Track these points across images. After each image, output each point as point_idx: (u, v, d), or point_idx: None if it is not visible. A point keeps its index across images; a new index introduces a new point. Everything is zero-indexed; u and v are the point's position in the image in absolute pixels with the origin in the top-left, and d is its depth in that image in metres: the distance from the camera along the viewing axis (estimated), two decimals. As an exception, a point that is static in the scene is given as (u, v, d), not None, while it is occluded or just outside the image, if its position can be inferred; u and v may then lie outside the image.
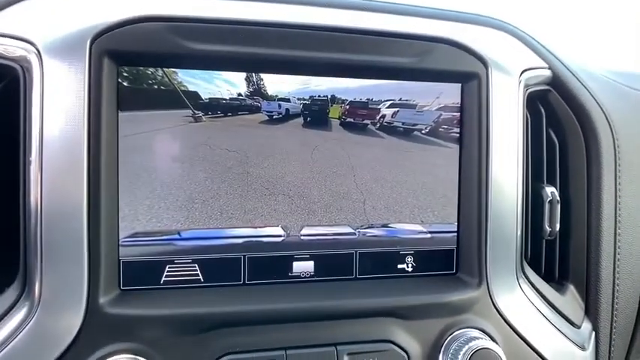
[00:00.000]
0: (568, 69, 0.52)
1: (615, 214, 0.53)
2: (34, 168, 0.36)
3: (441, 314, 0.42)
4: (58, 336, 0.36)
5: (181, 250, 0.40)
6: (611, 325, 0.54)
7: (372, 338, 0.40)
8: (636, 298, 0.57)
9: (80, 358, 0.36)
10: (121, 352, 0.36)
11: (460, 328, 0.42)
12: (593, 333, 0.52)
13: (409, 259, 0.45)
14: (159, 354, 0.37)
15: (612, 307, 0.54)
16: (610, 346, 0.54)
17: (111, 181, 0.38)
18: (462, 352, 0.40)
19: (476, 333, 0.41)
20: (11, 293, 0.37)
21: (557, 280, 0.52)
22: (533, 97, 0.50)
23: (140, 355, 0.36)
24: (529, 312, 0.46)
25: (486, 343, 0.40)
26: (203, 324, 0.38)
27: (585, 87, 0.53)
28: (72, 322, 0.36)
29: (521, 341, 0.44)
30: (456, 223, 0.46)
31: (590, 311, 0.52)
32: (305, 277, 0.42)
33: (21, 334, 0.36)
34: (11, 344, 0.36)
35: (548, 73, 0.50)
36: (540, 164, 0.50)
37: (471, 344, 0.40)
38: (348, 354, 0.39)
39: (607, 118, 0.53)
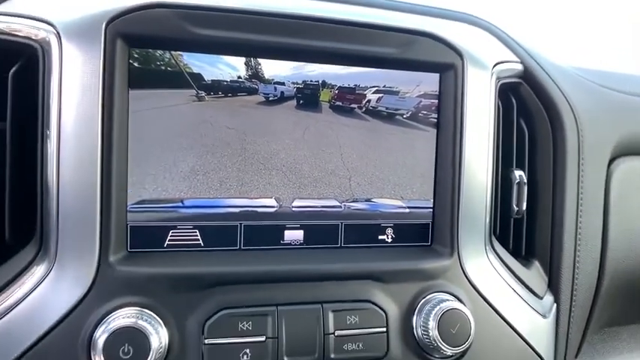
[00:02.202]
0: (539, 64, 0.57)
1: (578, 197, 0.59)
2: (52, 139, 0.40)
3: (416, 279, 0.46)
4: (73, 289, 0.40)
5: (184, 217, 0.44)
6: (571, 298, 0.59)
7: (354, 298, 0.44)
8: (595, 275, 0.63)
9: (92, 309, 0.40)
10: (129, 305, 0.40)
11: (433, 292, 0.46)
12: (555, 304, 0.57)
13: (389, 230, 0.49)
14: (162, 307, 0.41)
15: (572, 282, 0.59)
16: (569, 317, 0.60)
17: (121, 152, 0.42)
18: (433, 312, 0.44)
19: (447, 296, 0.46)
20: (29, 252, 0.41)
21: (524, 256, 0.57)
22: (505, 89, 0.55)
23: (145, 308, 0.40)
24: (496, 281, 0.51)
25: (456, 304, 0.45)
26: (202, 282, 0.42)
27: (554, 81, 0.58)
28: (85, 277, 0.40)
29: (488, 306, 0.49)
30: (432, 200, 0.50)
31: (553, 285, 0.58)
32: (295, 245, 0.47)
33: (40, 286, 0.40)
34: (32, 295, 0.39)
35: (519, 67, 0.54)
36: (510, 150, 0.55)
37: (441, 305, 0.45)
38: (333, 311, 0.43)
39: (573, 111, 0.58)
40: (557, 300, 0.57)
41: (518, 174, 0.54)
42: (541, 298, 0.55)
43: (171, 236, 0.44)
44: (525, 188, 0.54)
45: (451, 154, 0.49)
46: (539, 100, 0.57)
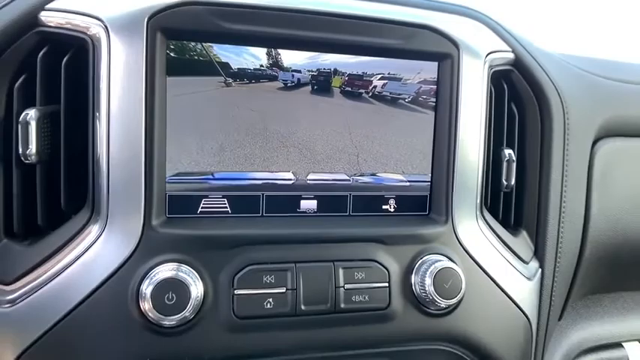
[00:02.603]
0: (529, 52, 0.62)
1: (563, 174, 0.65)
2: (102, 120, 0.46)
3: (414, 242, 0.52)
4: (121, 248, 0.46)
5: (214, 188, 0.51)
6: (555, 265, 0.66)
7: (361, 258, 0.51)
8: (577, 246, 0.69)
9: (138, 264, 0.46)
10: (169, 262, 0.46)
11: (429, 254, 0.53)
12: (540, 270, 0.63)
13: (391, 201, 0.56)
14: (197, 263, 0.47)
15: (556, 251, 0.65)
16: (553, 282, 0.66)
17: (161, 131, 0.47)
18: (429, 271, 0.51)
19: (441, 257, 0.52)
20: (82, 216, 0.47)
21: (512, 227, 0.64)
22: (497, 75, 0.60)
23: (183, 264, 0.46)
24: (485, 245, 0.57)
25: (449, 263, 0.51)
26: (231, 242, 0.48)
27: (543, 68, 0.64)
28: (132, 238, 0.46)
29: (477, 267, 0.55)
30: (430, 175, 0.56)
31: (538, 253, 0.64)
32: (310, 214, 0.53)
33: (94, 246, 0.46)
34: (87, 254, 0.45)
35: (511, 55, 0.60)
36: (501, 130, 0.61)
37: (436, 264, 0.51)
38: (343, 268, 0.50)
39: (560, 96, 0.64)
40: (542, 266, 0.63)
41: (508, 152, 0.60)
42: (527, 263, 0.61)
43: (203, 204, 0.50)
44: (514, 165, 0.60)
45: (447, 133, 0.55)
46: (529, 85, 0.62)
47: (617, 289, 0.82)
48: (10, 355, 0.45)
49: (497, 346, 0.56)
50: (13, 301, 0.46)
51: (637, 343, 0.79)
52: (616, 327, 0.80)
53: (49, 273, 0.46)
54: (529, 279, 0.61)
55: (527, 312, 0.60)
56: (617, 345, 0.78)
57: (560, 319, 0.74)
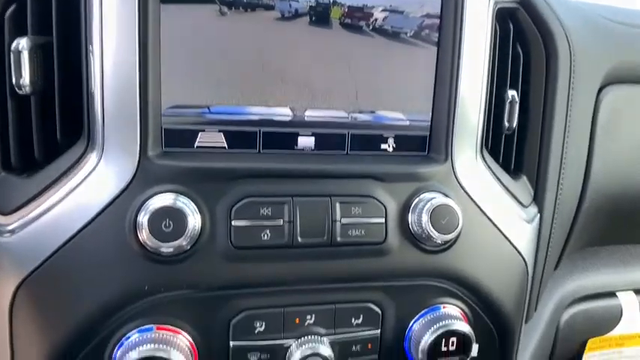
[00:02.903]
0: None
1: (566, 119, 0.64)
2: (95, 51, 0.45)
3: (412, 180, 0.52)
4: (118, 179, 0.46)
5: (210, 122, 0.50)
6: (554, 211, 0.66)
7: (358, 193, 0.51)
8: (577, 194, 0.69)
9: (135, 194, 0.46)
10: (166, 192, 0.46)
11: (426, 192, 0.52)
12: (538, 215, 0.63)
13: (390, 141, 0.55)
14: (195, 194, 0.47)
15: (556, 197, 0.65)
16: (551, 229, 0.66)
17: (155, 61, 0.46)
18: (426, 207, 0.51)
19: (439, 195, 0.52)
20: (79, 147, 0.47)
21: (512, 171, 0.63)
22: (503, 13, 0.58)
23: (181, 194, 0.46)
24: (484, 186, 0.56)
25: (446, 200, 0.51)
26: (228, 174, 0.48)
27: (551, 8, 0.62)
28: (128, 169, 0.46)
29: (475, 206, 0.55)
30: (430, 114, 0.56)
31: (538, 198, 0.64)
32: (307, 151, 0.53)
33: (90, 176, 0.46)
34: (84, 183, 0.46)
35: None
36: (505, 71, 0.60)
37: (433, 201, 0.51)
38: (340, 202, 0.50)
39: (567, 37, 0.62)
40: (540, 211, 0.63)
41: (511, 93, 0.59)
42: (526, 207, 0.62)
43: (200, 139, 0.50)
44: (517, 107, 0.59)
45: (449, 71, 0.53)
46: (535, 25, 0.60)
47: (615, 242, 0.83)
48: (11, 283, 0.46)
49: (493, 287, 0.57)
50: (12, 231, 0.46)
51: (631, 292, 0.80)
52: (612, 278, 0.80)
53: (47, 203, 0.46)
54: (528, 222, 0.61)
55: (524, 255, 0.60)
56: (611, 294, 0.79)
57: (556, 268, 0.74)
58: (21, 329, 0.47)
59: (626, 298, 0.79)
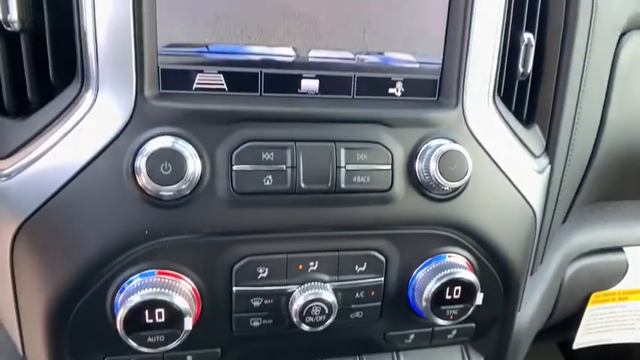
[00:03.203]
0: None
1: (584, 65, 0.60)
2: None
3: (420, 125, 0.50)
4: (115, 120, 0.44)
5: (209, 62, 0.47)
6: (565, 163, 0.64)
7: (363, 139, 0.49)
8: (590, 146, 0.66)
9: (133, 136, 0.44)
10: (164, 135, 0.44)
11: (435, 138, 0.50)
12: (549, 166, 0.61)
13: (399, 85, 0.52)
14: (194, 138, 0.45)
15: (568, 149, 0.63)
16: (561, 181, 0.64)
17: None
18: (434, 154, 0.49)
19: (447, 141, 0.50)
20: (73, 88, 0.46)
21: (525, 120, 0.61)
22: None
23: (180, 137, 0.45)
24: (494, 133, 0.54)
25: (455, 146, 0.49)
26: (228, 117, 0.46)
27: None
28: (124, 110, 0.44)
29: (485, 153, 0.53)
30: (442, 56, 0.53)
31: (549, 149, 0.62)
32: (311, 95, 0.51)
33: (86, 117, 0.44)
34: (80, 124, 0.44)
35: None
36: (522, 13, 0.56)
37: (441, 147, 0.49)
38: (345, 148, 0.48)
39: None
40: (551, 162, 0.61)
41: (527, 36, 0.56)
42: (537, 157, 0.60)
43: (198, 80, 0.48)
44: (532, 50, 0.56)
45: (462, 10, 0.50)
46: None
47: (625, 197, 0.81)
48: (11, 226, 0.46)
49: (500, 237, 0.56)
50: (8, 175, 0.46)
51: (638, 248, 0.79)
52: (620, 232, 0.79)
53: (42, 147, 0.45)
54: (538, 172, 0.59)
55: (533, 206, 0.59)
56: (618, 249, 0.79)
57: (564, 221, 0.73)
58: (23, 273, 0.47)
59: (632, 253, 0.78)
